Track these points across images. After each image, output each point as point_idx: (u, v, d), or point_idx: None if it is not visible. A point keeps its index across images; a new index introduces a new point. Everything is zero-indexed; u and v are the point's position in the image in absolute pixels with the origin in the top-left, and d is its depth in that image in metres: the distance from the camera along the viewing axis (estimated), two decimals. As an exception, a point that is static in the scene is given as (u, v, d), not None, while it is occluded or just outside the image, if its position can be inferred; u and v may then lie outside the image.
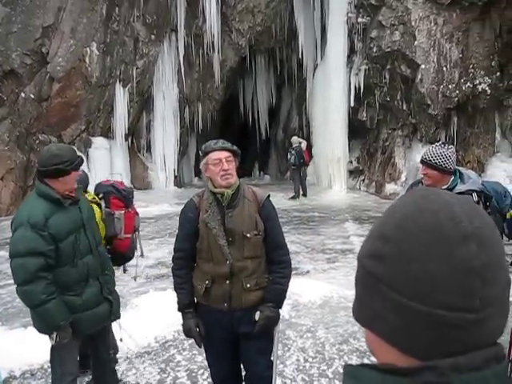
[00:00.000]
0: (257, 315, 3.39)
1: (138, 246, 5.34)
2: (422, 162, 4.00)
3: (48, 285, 3.50)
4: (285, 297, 3.56)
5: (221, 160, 3.33)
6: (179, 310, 3.53)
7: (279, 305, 3.52)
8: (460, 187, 3.90)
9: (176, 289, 3.55)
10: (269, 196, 3.56)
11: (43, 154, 3.75)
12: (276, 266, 3.49)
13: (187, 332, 3.51)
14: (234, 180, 3.40)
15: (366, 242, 0.87)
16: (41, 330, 3.71)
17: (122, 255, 4.86)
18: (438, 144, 4.03)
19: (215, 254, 3.38)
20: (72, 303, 3.63)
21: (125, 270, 5.42)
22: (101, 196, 4.86)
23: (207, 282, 3.41)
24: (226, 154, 3.37)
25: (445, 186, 3.87)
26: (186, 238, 3.49)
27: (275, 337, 3.56)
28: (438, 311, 0.76)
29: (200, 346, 3.58)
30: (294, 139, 17.98)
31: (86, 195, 4.46)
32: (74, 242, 3.63)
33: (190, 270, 3.54)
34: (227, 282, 3.38)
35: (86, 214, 3.78)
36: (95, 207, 4.46)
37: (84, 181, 4.76)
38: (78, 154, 3.96)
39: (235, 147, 3.45)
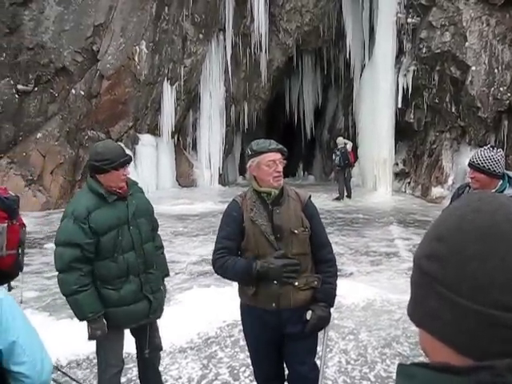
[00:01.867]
0: (308, 314, 3.36)
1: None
2: (470, 165, 3.94)
3: (82, 276, 3.58)
4: (335, 295, 3.54)
5: (275, 162, 3.37)
6: (250, 271, 3.28)
7: (331, 304, 3.50)
8: (509, 191, 3.83)
9: (232, 269, 3.35)
10: (310, 196, 3.60)
11: (92, 148, 3.91)
12: (324, 265, 3.49)
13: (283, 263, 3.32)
14: (283, 181, 3.45)
15: (422, 243, 0.88)
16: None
17: (4, 273, 4.01)
18: (486, 147, 3.97)
19: (263, 251, 3.35)
20: (109, 297, 3.69)
21: (10, 289, 4.20)
22: None
23: (255, 281, 3.36)
24: (280, 155, 3.41)
25: (493, 190, 3.80)
26: (230, 237, 3.44)
27: (324, 337, 3.54)
28: (493, 311, 0.76)
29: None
30: (340, 140, 17.87)
31: None
32: (115, 236, 3.69)
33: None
34: (274, 281, 3.33)
35: (132, 211, 3.80)
36: None
37: None
38: (127, 152, 4.00)
39: (285, 149, 3.49)
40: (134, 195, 3.88)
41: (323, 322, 3.43)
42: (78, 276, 3.57)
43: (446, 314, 0.80)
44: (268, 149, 3.38)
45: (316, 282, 3.43)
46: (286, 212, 3.40)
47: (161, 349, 4.23)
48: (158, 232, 4.28)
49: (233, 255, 3.42)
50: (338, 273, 3.66)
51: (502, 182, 3.92)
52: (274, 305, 3.37)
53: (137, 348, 4.13)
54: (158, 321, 4.12)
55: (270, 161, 3.36)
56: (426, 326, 0.84)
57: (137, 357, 4.19)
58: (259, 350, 3.58)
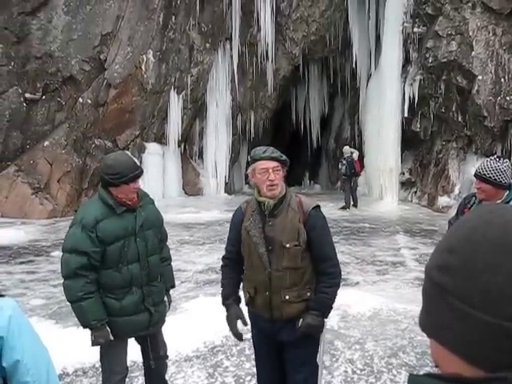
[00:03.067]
0: (299, 322, 3.37)
1: None
2: (476, 175, 3.94)
3: (87, 283, 3.61)
4: (331, 306, 3.46)
5: (267, 170, 3.29)
6: (222, 303, 3.63)
7: (324, 313, 3.43)
8: None
9: (221, 284, 3.69)
10: (317, 206, 3.46)
11: (103, 160, 3.97)
12: (324, 277, 3.41)
13: (229, 324, 3.59)
14: (278, 191, 3.34)
15: (434, 254, 0.88)
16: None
17: None
18: (492, 158, 3.97)
19: (254, 261, 3.39)
20: (111, 306, 3.72)
21: None
22: None
23: (251, 290, 3.46)
24: (274, 163, 3.31)
25: (499, 201, 3.81)
26: (232, 244, 3.58)
27: (320, 345, 3.50)
28: (504, 323, 0.76)
29: (239, 339, 3.66)
30: (346, 149, 17.86)
31: None
32: (121, 247, 3.71)
33: (236, 268, 3.61)
34: (266, 293, 3.37)
35: (140, 223, 3.81)
36: None
37: None
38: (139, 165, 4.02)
39: (284, 157, 3.38)
40: (144, 206, 3.90)
41: (313, 329, 3.37)
42: (84, 283, 3.60)
43: (457, 324, 0.80)
44: (260, 156, 3.32)
45: (309, 294, 3.39)
46: (280, 224, 3.33)
47: (167, 357, 4.23)
48: (165, 241, 4.29)
49: (235, 262, 3.60)
50: (344, 282, 3.65)
51: (508, 192, 3.91)
52: (267, 315, 3.42)
53: (143, 356, 4.14)
54: (163, 329, 4.13)
55: (262, 169, 3.30)
56: (437, 337, 0.84)
57: (143, 365, 4.20)
58: (262, 356, 3.63)
